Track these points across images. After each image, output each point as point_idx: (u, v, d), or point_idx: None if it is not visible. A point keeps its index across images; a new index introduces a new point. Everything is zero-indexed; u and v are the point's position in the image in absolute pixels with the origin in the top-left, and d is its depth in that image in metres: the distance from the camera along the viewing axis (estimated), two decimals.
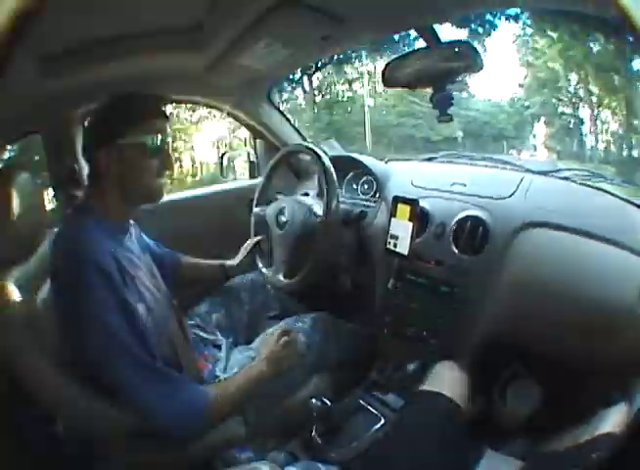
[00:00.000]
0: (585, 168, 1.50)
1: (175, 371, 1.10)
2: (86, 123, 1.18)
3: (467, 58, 1.21)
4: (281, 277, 1.63)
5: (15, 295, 1.00)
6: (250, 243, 1.77)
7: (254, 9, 1.22)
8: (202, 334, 1.53)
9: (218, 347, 1.50)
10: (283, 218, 1.68)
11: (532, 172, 1.49)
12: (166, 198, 1.94)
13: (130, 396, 0.99)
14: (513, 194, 1.38)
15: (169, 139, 1.19)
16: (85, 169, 1.35)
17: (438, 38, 1.30)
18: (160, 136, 1.14)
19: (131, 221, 1.27)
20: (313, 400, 1.32)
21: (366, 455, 1.20)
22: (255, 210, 1.83)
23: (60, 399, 1.00)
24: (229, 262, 1.71)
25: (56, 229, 1.10)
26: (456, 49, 1.22)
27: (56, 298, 1.03)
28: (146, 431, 1.02)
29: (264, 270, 1.73)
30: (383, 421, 1.37)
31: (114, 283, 1.00)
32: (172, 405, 1.02)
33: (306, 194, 1.89)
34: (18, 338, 0.96)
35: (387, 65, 1.42)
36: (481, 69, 1.22)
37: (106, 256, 1.02)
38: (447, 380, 1.27)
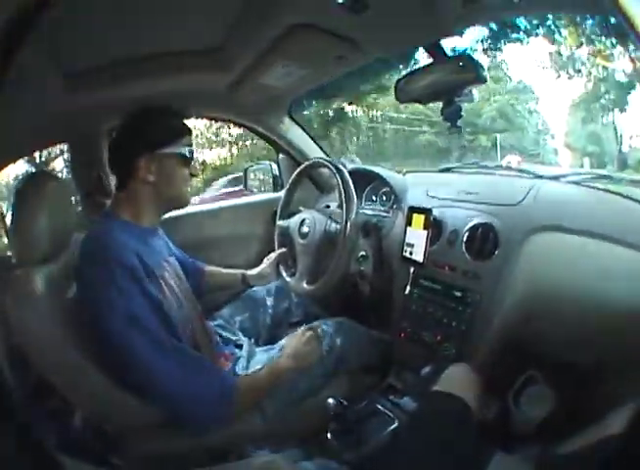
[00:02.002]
0: (594, 171, 1.50)
1: (206, 357, 1.17)
2: (119, 132, 1.26)
3: (471, 71, 1.26)
4: (304, 284, 1.70)
5: (43, 288, 1.08)
6: (273, 255, 1.83)
7: (270, 33, 1.29)
8: (224, 334, 1.59)
9: (239, 346, 1.55)
10: (305, 229, 1.75)
11: (542, 178, 1.51)
12: (192, 209, 2.07)
13: (158, 380, 1.05)
14: (522, 200, 1.40)
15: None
16: (112, 177, 1.45)
17: (445, 53, 1.36)
18: (192, 148, 1.27)
19: (158, 228, 1.36)
20: (330, 400, 1.35)
21: (377, 456, 1.22)
22: (279, 222, 1.91)
23: (83, 386, 1.08)
24: (250, 272, 1.77)
25: (83, 233, 1.18)
26: (460, 63, 1.28)
27: (82, 293, 1.11)
28: (168, 419, 1.09)
29: (288, 279, 1.79)
30: (397, 424, 1.40)
31: (137, 277, 1.07)
32: (201, 389, 1.07)
33: (328, 206, 1.95)
34: (43, 324, 1.05)
35: (398, 80, 1.49)
36: (485, 81, 1.27)
37: (129, 254, 1.09)
38: (460, 382, 1.27)
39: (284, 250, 1.84)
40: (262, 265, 1.80)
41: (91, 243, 1.13)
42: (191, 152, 1.27)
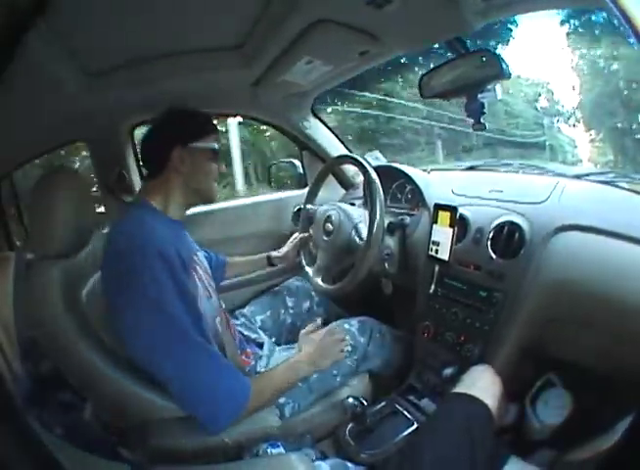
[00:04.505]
0: (615, 170, 1.46)
1: (225, 357, 1.17)
2: (154, 126, 1.32)
3: (493, 65, 1.23)
4: (320, 281, 1.70)
5: (59, 283, 1.10)
6: (296, 236, 1.86)
7: (293, 29, 1.29)
8: (245, 332, 1.60)
9: (260, 345, 1.57)
10: (330, 227, 1.73)
11: (566, 177, 1.47)
12: (216, 206, 2.09)
13: (174, 371, 1.05)
14: (547, 198, 1.37)
15: None
16: (137, 181, 1.47)
17: (467, 48, 1.33)
18: (220, 145, 1.33)
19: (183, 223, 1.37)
20: (350, 400, 1.35)
21: (394, 457, 1.19)
22: (307, 206, 1.91)
23: (94, 380, 1.09)
24: (274, 253, 1.82)
25: (104, 231, 1.20)
26: (483, 58, 1.25)
27: (111, 278, 1.12)
28: (183, 415, 1.09)
29: (307, 269, 1.80)
30: (415, 426, 1.39)
31: (173, 269, 1.08)
32: (217, 391, 1.07)
33: (352, 204, 1.94)
34: (57, 318, 1.07)
35: (422, 76, 1.47)
36: (509, 76, 1.24)
37: (167, 244, 1.10)
38: (481, 383, 1.25)
39: (306, 234, 1.86)
40: (286, 246, 1.85)
41: (126, 229, 1.14)
42: (220, 147, 1.34)
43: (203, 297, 1.21)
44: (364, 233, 1.60)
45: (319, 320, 1.43)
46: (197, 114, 1.33)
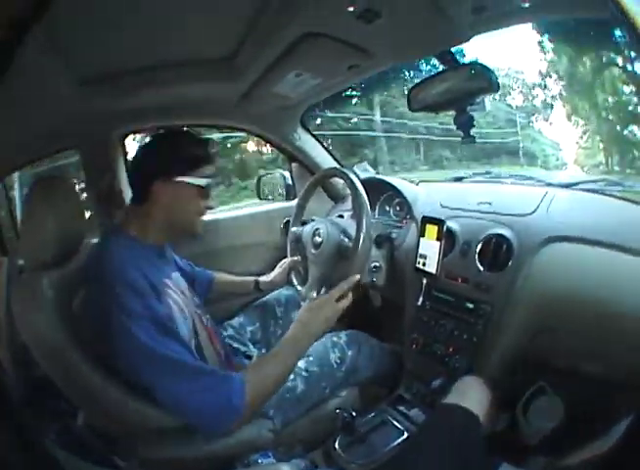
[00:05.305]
0: (605, 178, 1.49)
1: (212, 367, 1.14)
2: (140, 152, 1.27)
3: (482, 78, 1.25)
4: (314, 294, 1.69)
5: (50, 292, 1.09)
6: (285, 261, 1.82)
7: (283, 42, 1.30)
8: (234, 345, 1.59)
9: (249, 357, 1.56)
10: (318, 239, 1.72)
11: (555, 186, 1.49)
12: (205, 218, 2.07)
13: (165, 398, 1.03)
14: (535, 210, 1.38)
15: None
16: (127, 190, 1.46)
17: (456, 60, 1.35)
18: (210, 180, 1.26)
19: (165, 246, 1.35)
20: (339, 411, 1.34)
21: (385, 467, 1.20)
22: (292, 229, 1.88)
23: (85, 389, 1.07)
24: (262, 278, 1.78)
25: (93, 240, 1.20)
26: (472, 71, 1.26)
27: (89, 308, 1.11)
28: (174, 425, 1.08)
29: (299, 288, 1.78)
30: (405, 435, 1.38)
31: (144, 298, 1.05)
32: (212, 401, 1.03)
33: (341, 216, 1.94)
34: (49, 327, 1.06)
35: (411, 88, 1.48)
36: (497, 89, 1.26)
37: (132, 271, 1.07)
38: (470, 394, 1.26)
39: (296, 258, 1.83)
40: (275, 272, 1.79)
41: (96, 260, 1.13)
42: (208, 184, 1.25)
43: (177, 319, 1.17)
44: (353, 234, 1.57)
45: (357, 277, 1.35)
46: (191, 142, 1.25)
